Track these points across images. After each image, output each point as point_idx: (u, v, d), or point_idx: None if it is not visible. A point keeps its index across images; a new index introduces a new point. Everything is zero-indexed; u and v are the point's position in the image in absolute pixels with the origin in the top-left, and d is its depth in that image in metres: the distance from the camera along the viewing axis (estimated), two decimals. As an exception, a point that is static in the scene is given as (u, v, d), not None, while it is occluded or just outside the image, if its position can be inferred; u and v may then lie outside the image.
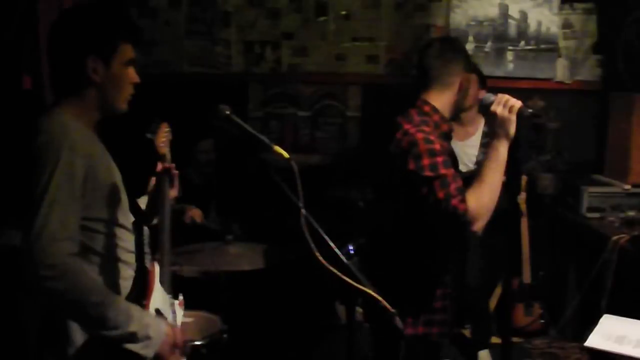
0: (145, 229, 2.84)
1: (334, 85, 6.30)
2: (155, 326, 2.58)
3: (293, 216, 2.42)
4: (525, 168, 5.68)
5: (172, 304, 2.92)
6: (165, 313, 2.77)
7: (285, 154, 2.48)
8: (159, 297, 2.77)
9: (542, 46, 6.17)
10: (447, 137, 3.39)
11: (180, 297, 3.07)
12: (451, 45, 3.44)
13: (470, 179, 3.22)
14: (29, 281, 2.38)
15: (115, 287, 2.71)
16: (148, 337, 2.54)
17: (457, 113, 3.49)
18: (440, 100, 3.34)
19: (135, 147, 3.47)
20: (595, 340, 3.28)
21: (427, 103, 3.33)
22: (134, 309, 2.55)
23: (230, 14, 6.21)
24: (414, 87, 3.44)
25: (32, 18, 4.44)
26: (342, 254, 2.44)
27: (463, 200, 3.04)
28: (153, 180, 3.24)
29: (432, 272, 3.38)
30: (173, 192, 3.11)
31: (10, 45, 4.43)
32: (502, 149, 3.09)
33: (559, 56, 6.19)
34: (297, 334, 5.20)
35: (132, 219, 2.87)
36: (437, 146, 3.14)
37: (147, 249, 2.81)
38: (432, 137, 3.16)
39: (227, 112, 2.59)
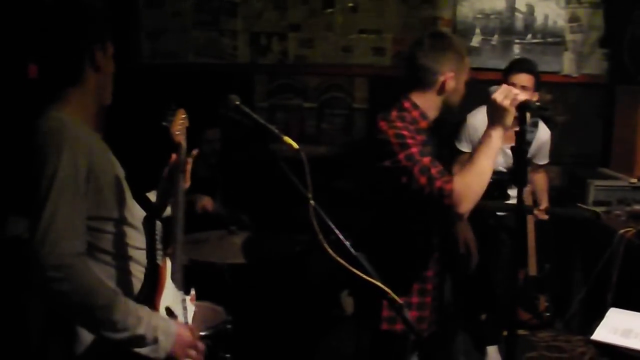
0: (158, 223, 2.78)
1: (340, 77, 6.31)
2: (164, 328, 2.55)
3: (300, 207, 2.41)
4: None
5: (184, 300, 2.90)
6: (176, 310, 2.75)
7: (295, 145, 2.46)
8: (170, 294, 2.74)
9: (549, 39, 6.16)
10: (427, 132, 3.41)
11: (192, 292, 3.04)
12: (440, 43, 3.41)
13: (499, 181, 3.25)
14: (35, 283, 2.35)
15: (125, 286, 2.69)
16: (156, 341, 2.51)
17: (447, 112, 3.48)
18: (422, 98, 3.38)
19: (149, 136, 3.45)
20: (602, 333, 3.28)
21: (408, 99, 3.39)
22: (143, 311, 2.52)
23: (237, 4, 6.21)
24: (402, 82, 3.46)
25: (38, 5, 4.42)
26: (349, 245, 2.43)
27: (448, 181, 3.08)
28: (165, 170, 3.24)
29: (408, 266, 3.43)
30: (185, 185, 3.08)
31: (15, 33, 4.41)
32: (495, 136, 3.11)
33: (566, 50, 6.18)
34: (301, 325, 5.20)
35: (140, 215, 2.82)
36: (410, 140, 3.20)
37: (159, 245, 2.77)
38: (404, 132, 3.22)
39: (237, 102, 2.58)
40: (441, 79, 3.34)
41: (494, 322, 5.28)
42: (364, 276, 2.38)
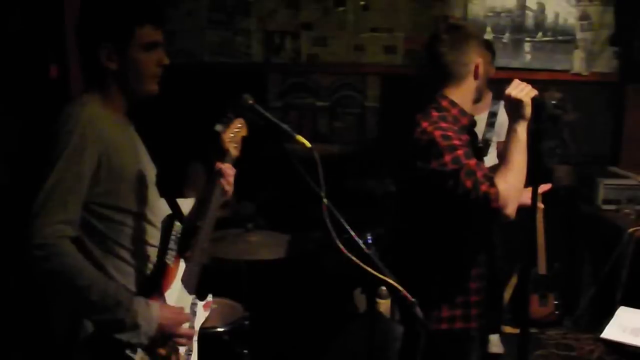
0: (178, 224, 2.76)
1: (352, 76, 6.32)
2: (144, 313, 2.53)
3: (313, 205, 2.42)
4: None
5: (194, 304, 2.87)
6: None
7: (308, 144, 2.45)
8: (175, 295, 2.73)
9: (560, 38, 6.17)
10: (468, 129, 3.36)
11: (209, 298, 3.02)
12: (460, 34, 3.31)
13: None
14: (25, 260, 2.40)
15: (133, 281, 2.69)
16: (136, 325, 2.50)
17: (480, 97, 3.41)
18: (459, 92, 3.29)
19: (163, 135, 3.41)
20: (611, 332, 3.31)
21: (444, 97, 3.29)
22: (123, 295, 2.52)
23: (251, 4, 6.24)
24: (429, 82, 3.37)
25: (58, 6, 4.43)
26: (362, 243, 2.44)
27: (492, 185, 3.01)
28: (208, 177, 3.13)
29: (455, 267, 3.36)
30: (226, 195, 3.00)
31: (36, 34, 4.44)
32: (520, 129, 3.09)
33: (576, 48, 6.19)
34: (316, 322, 5.21)
35: (163, 213, 2.78)
36: (456, 141, 3.12)
37: (173, 245, 2.74)
38: (449, 133, 3.14)
39: (251, 102, 2.58)
40: (472, 67, 3.27)
41: (491, 314, 5.28)
42: (378, 274, 2.39)
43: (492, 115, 5.11)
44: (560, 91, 6.13)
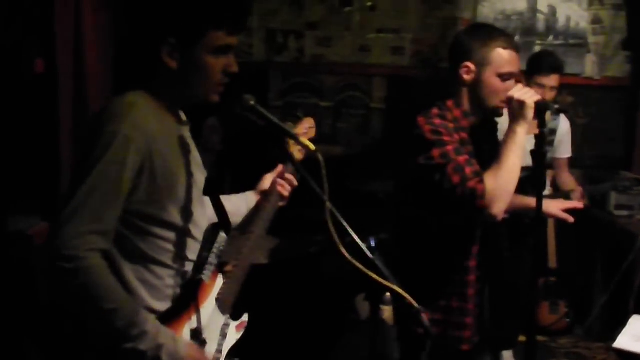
0: (223, 236, 2.58)
1: (357, 76, 6.29)
2: (170, 349, 2.32)
3: (314, 208, 2.33)
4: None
5: (226, 326, 2.68)
6: (208, 335, 2.53)
7: (312, 146, 2.34)
8: (207, 315, 2.55)
9: (571, 41, 6.15)
10: (471, 130, 3.31)
11: (244, 319, 2.83)
12: (471, 33, 3.35)
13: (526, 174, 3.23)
14: (44, 271, 2.20)
15: (157, 296, 2.44)
16: None
17: (485, 109, 3.31)
18: (466, 96, 3.29)
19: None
20: (624, 341, 3.25)
21: (452, 98, 3.30)
22: (151, 324, 2.30)
23: (253, 1, 6.15)
24: (446, 81, 3.38)
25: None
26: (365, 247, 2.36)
27: (481, 182, 3.03)
28: (266, 179, 2.99)
29: (441, 269, 3.35)
30: (283, 203, 2.88)
31: (21, 27, 4.31)
32: (519, 131, 3.10)
33: (588, 52, 6.16)
34: (314, 331, 5.15)
35: (205, 225, 2.59)
36: (447, 137, 3.14)
37: (213, 259, 2.55)
38: (441, 129, 3.17)
39: (252, 103, 2.45)
40: (460, 70, 3.25)
41: (510, 326, 5.22)
42: (381, 280, 2.30)
43: (551, 132, 5.10)
44: (571, 95, 6.11)
